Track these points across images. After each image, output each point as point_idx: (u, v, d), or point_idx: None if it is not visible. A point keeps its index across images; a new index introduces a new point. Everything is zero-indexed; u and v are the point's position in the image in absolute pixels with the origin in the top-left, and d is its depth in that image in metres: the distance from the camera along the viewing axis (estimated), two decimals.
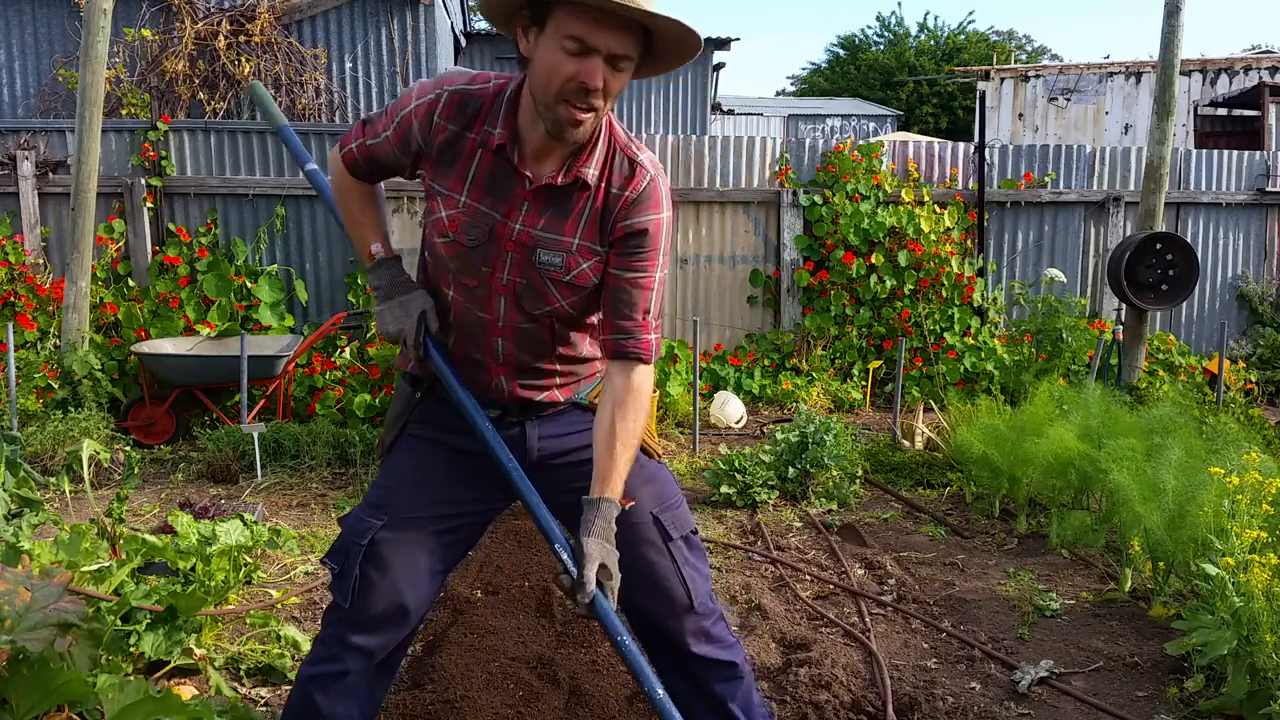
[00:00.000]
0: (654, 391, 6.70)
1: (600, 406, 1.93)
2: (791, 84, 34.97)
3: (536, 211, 1.86)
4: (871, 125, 22.81)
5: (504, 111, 1.83)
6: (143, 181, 6.84)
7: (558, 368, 2.01)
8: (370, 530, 1.94)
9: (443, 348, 2.00)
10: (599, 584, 1.76)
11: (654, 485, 2.04)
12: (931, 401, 6.69)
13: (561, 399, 2.03)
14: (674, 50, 1.78)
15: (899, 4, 53.26)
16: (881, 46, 30.39)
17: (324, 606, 3.57)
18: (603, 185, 1.86)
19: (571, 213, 1.87)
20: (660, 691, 1.78)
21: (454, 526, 2.01)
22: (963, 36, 29.67)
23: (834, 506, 4.88)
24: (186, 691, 2.65)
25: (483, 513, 2.08)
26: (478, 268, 1.91)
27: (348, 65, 9.40)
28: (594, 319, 2.00)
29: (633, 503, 1.91)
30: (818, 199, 7.46)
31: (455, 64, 12.38)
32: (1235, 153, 8.22)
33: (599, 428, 1.89)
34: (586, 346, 2.03)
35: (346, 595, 1.92)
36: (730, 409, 6.70)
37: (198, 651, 2.84)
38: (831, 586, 3.86)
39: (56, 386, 5.87)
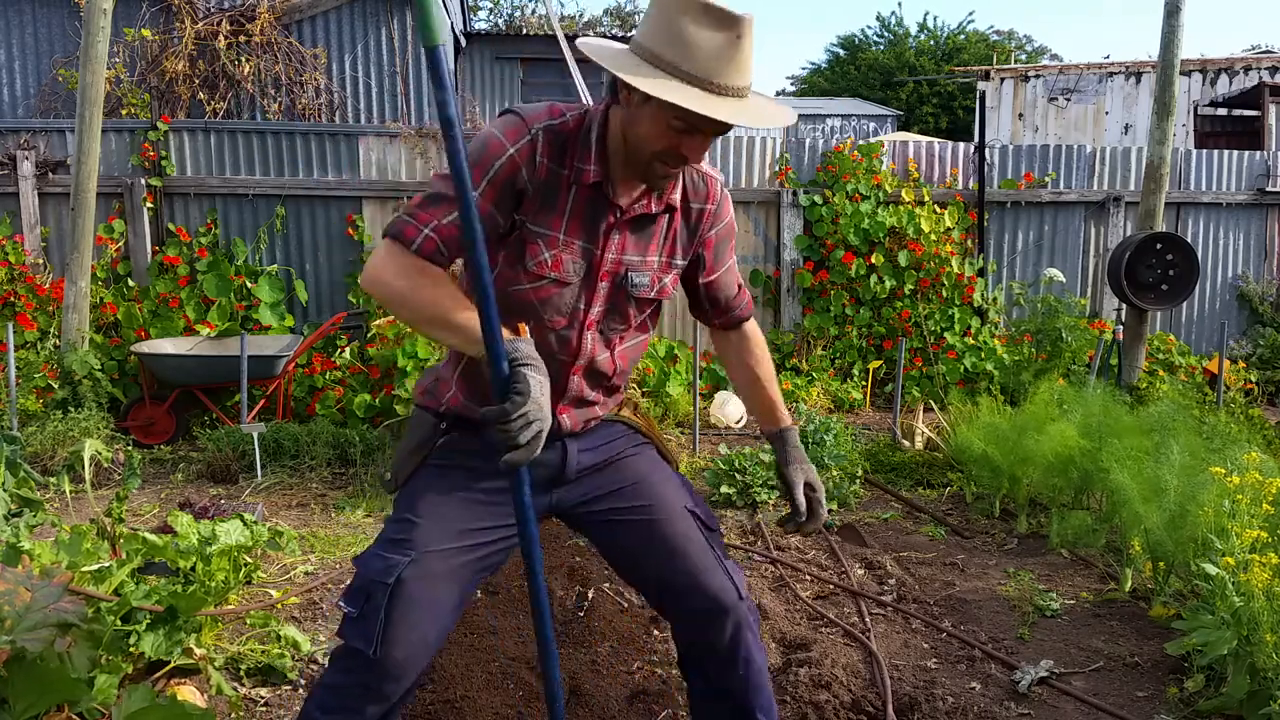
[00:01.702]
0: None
1: (733, 365, 2.19)
2: (791, 84, 34.98)
3: (625, 239, 1.89)
4: (871, 125, 22.81)
5: (594, 148, 1.81)
6: (143, 181, 6.84)
7: (607, 396, 2.03)
8: (396, 568, 1.82)
9: None
10: (808, 500, 1.99)
11: (678, 482, 2.10)
12: (931, 401, 6.69)
13: (600, 415, 2.04)
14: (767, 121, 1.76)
15: (899, 4, 53.24)
16: (881, 46, 30.39)
17: (323, 608, 3.58)
18: (680, 205, 1.93)
19: (654, 234, 1.92)
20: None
21: (481, 556, 1.94)
22: (962, 36, 29.67)
23: (834, 506, 4.88)
24: (188, 693, 2.65)
25: (510, 539, 1.99)
26: (572, 305, 1.88)
27: (348, 65, 9.40)
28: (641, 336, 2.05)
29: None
30: (818, 199, 7.46)
31: (455, 64, 12.38)
32: (1235, 153, 8.22)
33: (745, 380, 2.16)
34: (628, 367, 2.06)
35: (371, 641, 1.78)
36: (730, 409, 6.70)
37: (198, 651, 2.84)
38: (831, 586, 3.85)
39: (56, 386, 5.87)
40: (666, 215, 1.91)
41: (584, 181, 1.81)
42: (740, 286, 2.13)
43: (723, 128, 1.71)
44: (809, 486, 2.01)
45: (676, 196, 1.90)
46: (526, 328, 1.70)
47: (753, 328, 2.18)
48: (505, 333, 1.64)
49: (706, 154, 1.82)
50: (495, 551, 1.99)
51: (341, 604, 1.86)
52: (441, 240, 1.73)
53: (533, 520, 1.78)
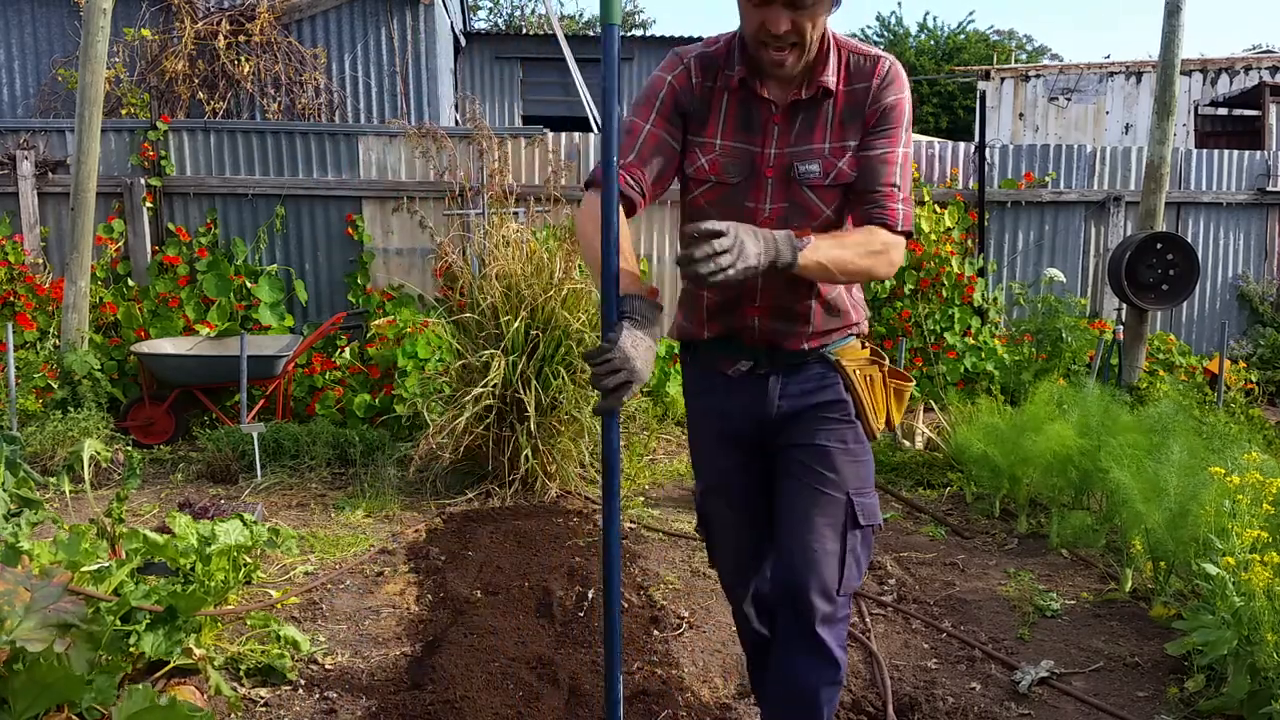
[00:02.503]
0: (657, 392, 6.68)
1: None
2: None
3: (786, 132, 1.97)
4: None
5: (737, 53, 1.98)
6: (142, 181, 6.83)
7: (812, 306, 2.04)
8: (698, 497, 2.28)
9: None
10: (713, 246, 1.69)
11: (857, 466, 2.06)
12: (932, 401, 6.69)
13: (808, 348, 2.06)
14: None
15: (899, 4, 53.23)
16: (881, 46, 30.40)
17: (322, 608, 3.58)
18: (841, 88, 1.97)
19: (817, 122, 1.97)
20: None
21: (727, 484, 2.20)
22: (963, 36, 29.66)
23: None
24: (188, 693, 2.65)
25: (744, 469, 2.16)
26: (741, 204, 1.99)
27: (347, 65, 9.40)
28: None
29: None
30: None
31: (455, 64, 12.38)
32: (1236, 152, 8.21)
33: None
34: (844, 292, 2.07)
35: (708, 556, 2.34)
36: None
37: (197, 651, 2.84)
38: None
39: (56, 386, 5.87)
40: (828, 100, 1.96)
41: (732, 86, 1.98)
42: (892, 188, 1.94)
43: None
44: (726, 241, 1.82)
45: (832, 80, 1.95)
46: (657, 290, 1.86)
47: (885, 234, 1.92)
48: (634, 288, 1.80)
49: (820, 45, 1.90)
50: (740, 486, 2.19)
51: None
52: (636, 166, 1.96)
53: (617, 469, 1.87)
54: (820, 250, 1.83)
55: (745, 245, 1.70)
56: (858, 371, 2.08)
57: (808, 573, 1.97)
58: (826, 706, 2.03)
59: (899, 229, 1.94)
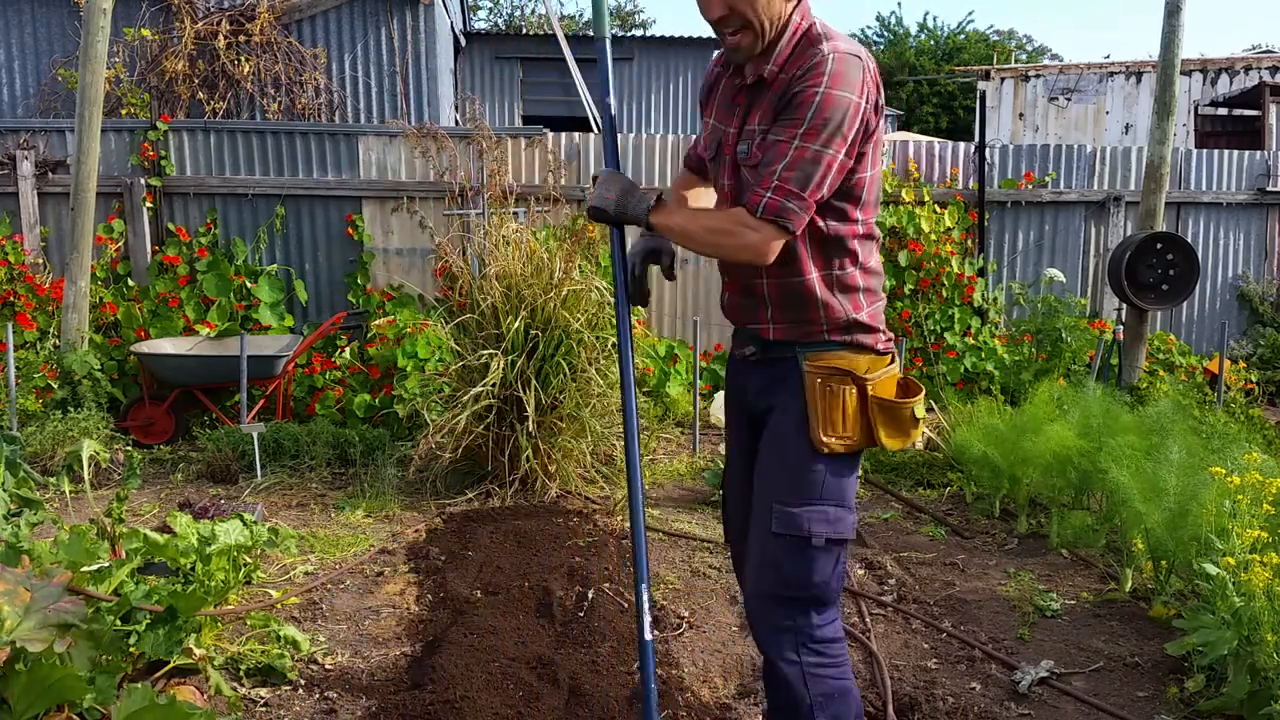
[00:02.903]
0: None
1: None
2: None
3: (744, 114, 2.06)
4: None
5: None
6: (142, 181, 6.83)
7: (766, 290, 2.08)
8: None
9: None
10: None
11: (790, 476, 2.04)
12: (931, 401, 6.69)
13: (775, 339, 2.09)
14: None
15: (899, 4, 53.22)
16: (881, 46, 30.37)
17: (323, 608, 3.58)
18: (779, 75, 1.98)
19: (757, 105, 2.02)
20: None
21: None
22: (962, 36, 29.66)
23: None
24: (188, 693, 2.65)
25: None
26: (717, 180, 2.18)
27: (347, 65, 9.40)
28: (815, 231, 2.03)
29: None
30: None
31: (455, 64, 12.39)
32: (1235, 153, 8.21)
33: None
34: (810, 282, 2.04)
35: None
36: None
37: (198, 651, 2.84)
38: None
39: (56, 386, 5.87)
40: (766, 86, 2.00)
41: (726, 69, 2.16)
42: (770, 174, 1.90)
43: None
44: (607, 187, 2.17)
45: (771, 68, 1.98)
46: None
47: (739, 211, 1.96)
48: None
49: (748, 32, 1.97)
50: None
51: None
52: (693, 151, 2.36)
53: (623, 284, 2.23)
54: (672, 216, 2.07)
55: (602, 189, 2.10)
56: (818, 379, 2.02)
57: (749, 576, 2.11)
58: (816, 709, 2.01)
59: (758, 214, 1.91)
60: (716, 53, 2.36)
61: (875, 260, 2.12)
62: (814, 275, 2.04)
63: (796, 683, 2.00)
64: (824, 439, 2.01)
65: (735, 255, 1.97)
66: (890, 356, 2.12)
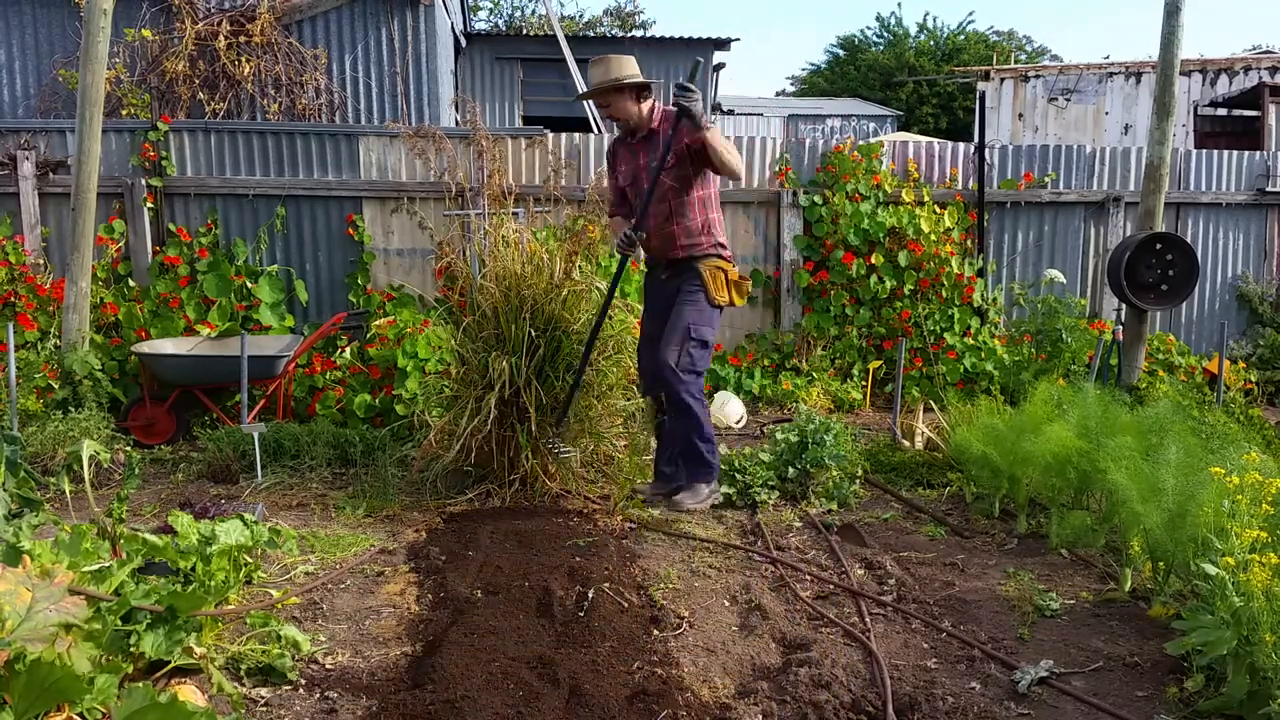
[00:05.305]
0: None
1: None
2: (791, 84, 34.97)
3: (645, 155, 4.54)
4: (871, 125, 22.81)
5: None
6: (143, 182, 6.84)
7: (676, 231, 4.51)
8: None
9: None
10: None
11: (697, 311, 4.49)
12: (931, 401, 6.69)
13: (679, 258, 4.54)
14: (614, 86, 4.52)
15: (899, 4, 53.23)
16: (881, 47, 30.39)
17: (323, 608, 3.59)
18: (659, 130, 4.51)
19: (657, 145, 4.44)
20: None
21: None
22: (962, 37, 29.67)
23: (834, 506, 4.89)
24: (189, 692, 2.65)
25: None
26: (634, 201, 4.53)
27: (348, 66, 9.41)
28: (692, 197, 4.50)
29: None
30: (817, 199, 7.46)
31: (455, 64, 12.39)
32: (1235, 153, 8.22)
33: None
34: (695, 224, 4.51)
35: None
36: (730, 409, 6.70)
37: (198, 651, 2.84)
38: (831, 586, 3.86)
39: (57, 387, 5.87)
40: (656, 136, 4.51)
41: (618, 141, 4.70)
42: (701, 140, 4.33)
43: (594, 95, 4.55)
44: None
45: (655, 125, 4.55)
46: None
47: (710, 137, 4.31)
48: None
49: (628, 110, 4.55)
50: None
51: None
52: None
53: (615, 290, 4.55)
54: (714, 132, 4.32)
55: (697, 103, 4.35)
56: (708, 272, 4.52)
57: (659, 358, 4.43)
58: (694, 425, 4.48)
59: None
60: (612, 136, 4.71)
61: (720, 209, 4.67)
62: (699, 219, 4.51)
63: (686, 401, 4.43)
64: (715, 298, 4.50)
65: (734, 165, 4.36)
66: (732, 261, 4.64)
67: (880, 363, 7.44)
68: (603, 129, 11.43)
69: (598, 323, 4.56)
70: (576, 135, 7.31)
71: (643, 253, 4.51)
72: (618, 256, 4.42)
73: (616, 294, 4.66)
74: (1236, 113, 13.95)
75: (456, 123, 10.52)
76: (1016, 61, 25.34)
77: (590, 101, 4.67)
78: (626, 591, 3.65)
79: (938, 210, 7.54)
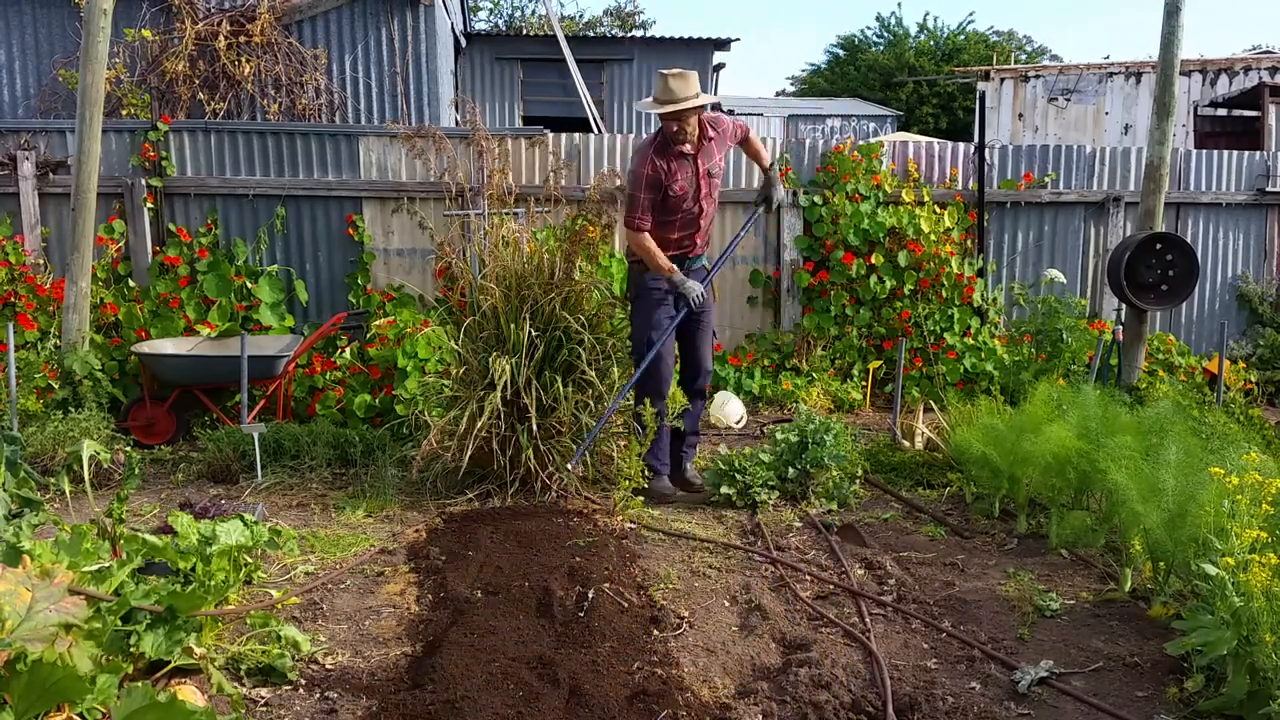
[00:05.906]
0: None
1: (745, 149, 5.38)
2: (791, 84, 34.97)
3: (703, 161, 4.91)
4: (871, 125, 22.81)
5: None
6: (143, 182, 6.84)
7: (709, 232, 5.11)
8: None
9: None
10: (773, 197, 5.35)
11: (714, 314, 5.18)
12: (931, 402, 6.69)
13: (704, 253, 5.15)
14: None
15: (899, 4, 53.23)
16: (881, 47, 30.38)
17: (323, 608, 3.59)
18: (703, 140, 4.91)
19: (712, 152, 4.96)
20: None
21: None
22: (962, 37, 29.67)
23: (834, 506, 4.89)
24: (189, 692, 2.65)
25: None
26: (692, 208, 4.94)
27: (348, 66, 9.41)
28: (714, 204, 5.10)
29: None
30: (817, 199, 7.46)
31: (455, 64, 12.38)
32: (1235, 153, 8.21)
33: (750, 151, 5.35)
34: (708, 224, 5.07)
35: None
36: (730, 409, 6.70)
37: (198, 651, 2.84)
38: (831, 586, 3.86)
39: (57, 387, 5.87)
40: (705, 145, 4.93)
41: (664, 156, 4.88)
42: (745, 131, 5.22)
43: (672, 114, 4.75)
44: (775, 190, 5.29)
45: (706, 136, 4.94)
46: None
47: (751, 134, 5.28)
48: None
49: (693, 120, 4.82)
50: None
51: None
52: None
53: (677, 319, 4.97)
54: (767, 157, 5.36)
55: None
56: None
57: (703, 357, 5.14)
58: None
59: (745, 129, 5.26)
60: (652, 154, 4.82)
61: None
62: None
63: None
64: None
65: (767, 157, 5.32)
66: None
67: (880, 363, 7.44)
68: (602, 129, 11.42)
69: (641, 367, 4.82)
70: (576, 135, 7.31)
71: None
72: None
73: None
74: (1236, 113, 13.95)
75: (456, 123, 10.52)
76: (1016, 61, 25.35)
77: (656, 111, 4.68)
78: (626, 591, 3.66)
79: (938, 210, 7.54)
